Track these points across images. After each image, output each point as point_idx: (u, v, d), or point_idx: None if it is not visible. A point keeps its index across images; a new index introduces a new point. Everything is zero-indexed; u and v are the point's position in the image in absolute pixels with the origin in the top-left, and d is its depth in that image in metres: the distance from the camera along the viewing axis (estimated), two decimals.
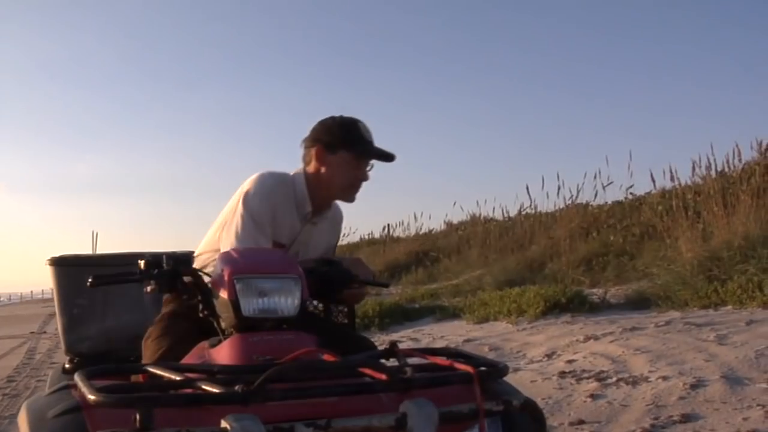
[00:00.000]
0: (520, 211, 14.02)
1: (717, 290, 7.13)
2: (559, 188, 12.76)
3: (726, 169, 10.37)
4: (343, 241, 23.46)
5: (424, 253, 14.85)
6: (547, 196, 15.78)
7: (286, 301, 1.86)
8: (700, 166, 10.21)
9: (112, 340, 3.22)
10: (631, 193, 11.98)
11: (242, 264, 1.92)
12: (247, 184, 2.43)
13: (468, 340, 7.08)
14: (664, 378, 4.55)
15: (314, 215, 2.49)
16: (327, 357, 1.63)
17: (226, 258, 1.96)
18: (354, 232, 20.96)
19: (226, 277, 1.86)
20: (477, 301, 8.81)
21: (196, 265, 2.26)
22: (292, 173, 2.48)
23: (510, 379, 4.93)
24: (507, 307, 7.99)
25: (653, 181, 10.87)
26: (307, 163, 2.46)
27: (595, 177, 12.04)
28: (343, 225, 2.79)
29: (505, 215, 14.75)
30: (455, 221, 16.93)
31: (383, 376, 1.43)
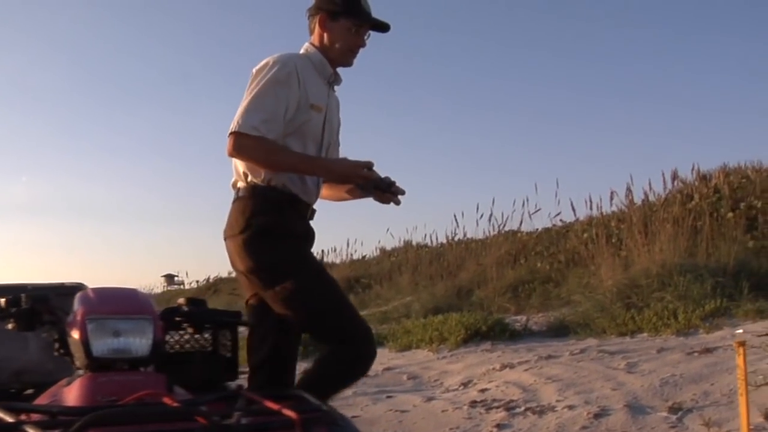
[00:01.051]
0: (450, 239, 14.13)
1: (634, 318, 7.25)
2: (490, 215, 12.94)
3: (648, 198, 10.65)
4: None
5: (356, 280, 14.77)
6: (477, 223, 15.92)
7: (140, 341, 1.93)
8: (629, 195, 10.47)
9: None
10: (560, 220, 12.18)
11: (96, 304, 1.97)
12: (260, 63, 2.55)
13: (388, 369, 7.03)
14: (570, 407, 4.58)
15: (335, 77, 2.71)
16: (167, 400, 1.60)
17: (82, 298, 2.03)
18: None
19: (78, 318, 1.90)
20: (400, 329, 8.77)
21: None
22: (300, 51, 2.68)
23: (423, 409, 4.91)
24: (429, 335, 7.98)
25: (573, 210, 11.18)
26: (311, 31, 2.68)
27: (523, 204, 12.25)
28: None
29: (437, 242, 14.84)
30: (388, 247, 16.93)
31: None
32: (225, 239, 2.57)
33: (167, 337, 2.47)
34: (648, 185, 10.54)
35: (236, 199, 2.56)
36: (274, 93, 2.45)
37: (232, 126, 2.43)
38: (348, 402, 5.34)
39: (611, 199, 10.35)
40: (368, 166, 2.54)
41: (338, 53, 2.63)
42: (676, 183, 10.34)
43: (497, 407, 4.87)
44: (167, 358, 2.46)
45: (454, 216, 14.34)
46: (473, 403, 5.08)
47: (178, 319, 2.15)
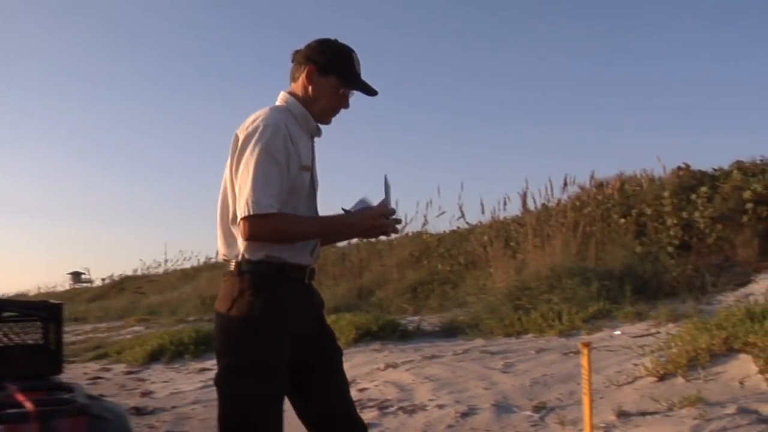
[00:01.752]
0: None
1: (521, 319, 7.39)
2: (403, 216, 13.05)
3: (547, 203, 10.91)
4: (186, 264, 22.54)
5: None
6: None
7: None
8: (524, 200, 10.71)
9: None
10: (466, 222, 12.36)
11: None
12: (247, 126, 2.34)
13: None
14: (440, 406, 4.63)
15: (317, 130, 2.53)
16: None
17: None
18: (196, 256, 20.50)
19: None
20: None
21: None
22: (278, 102, 2.49)
23: None
24: None
25: (462, 214, 11.45)
26: (294, 79, 2.50)
27: (426, 206, 12.42)
28: None
29: (345, 242, 14.85)
30: None
31: None
32: (216, 312, 2.36)
33: None
34: (545, 191, 10.78)
35: (226, 274, 2.34)
36: (275, 162, 2.26)
37: (247, 209, 2.20)
38: None
39: (505, 204, 10.59)
40: (390, 213, 2.34)
41: (319, 110, 2.47)
42: (566, 189, 10.61)
43: (371, 406, 4.89)
44: None
45: None
46: None
47: None
